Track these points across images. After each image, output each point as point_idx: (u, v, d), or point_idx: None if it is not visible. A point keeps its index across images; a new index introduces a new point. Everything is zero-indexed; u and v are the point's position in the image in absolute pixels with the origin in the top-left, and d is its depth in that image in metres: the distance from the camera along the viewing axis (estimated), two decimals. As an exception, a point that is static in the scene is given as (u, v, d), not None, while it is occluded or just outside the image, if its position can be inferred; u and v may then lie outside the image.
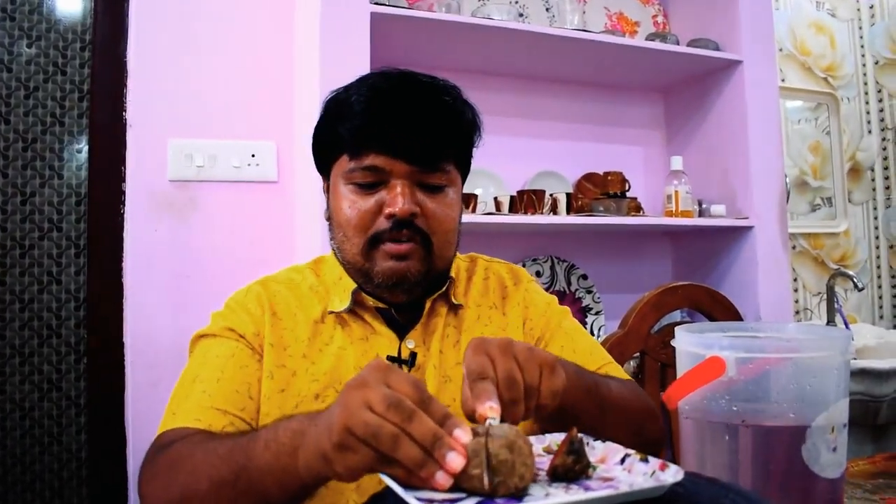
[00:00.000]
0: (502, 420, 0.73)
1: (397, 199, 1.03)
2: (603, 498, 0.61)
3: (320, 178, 1.21)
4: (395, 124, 1.03)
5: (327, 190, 1.16)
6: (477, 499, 0.63)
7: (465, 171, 1.18)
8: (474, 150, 1.18)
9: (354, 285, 1.11)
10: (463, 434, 0.66)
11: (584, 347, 1.21)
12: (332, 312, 1.12)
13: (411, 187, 1.05)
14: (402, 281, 1.07)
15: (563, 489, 0.66)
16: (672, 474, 0.65)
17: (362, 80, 1.11)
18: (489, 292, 1.24)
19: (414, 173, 1.05)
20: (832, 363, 0.78)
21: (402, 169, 1.04)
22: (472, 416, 0.75)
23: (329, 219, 1.15)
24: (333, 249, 1.16)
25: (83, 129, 2.11)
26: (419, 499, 0.61)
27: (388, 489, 0.66)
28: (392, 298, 1.11)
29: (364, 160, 1.05)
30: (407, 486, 0.64)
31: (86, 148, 2.10)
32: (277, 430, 0.76)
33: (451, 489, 0.64)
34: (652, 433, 1.10)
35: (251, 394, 1.04)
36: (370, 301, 1.12)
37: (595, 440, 0.76)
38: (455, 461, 0.64)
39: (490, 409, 0.73)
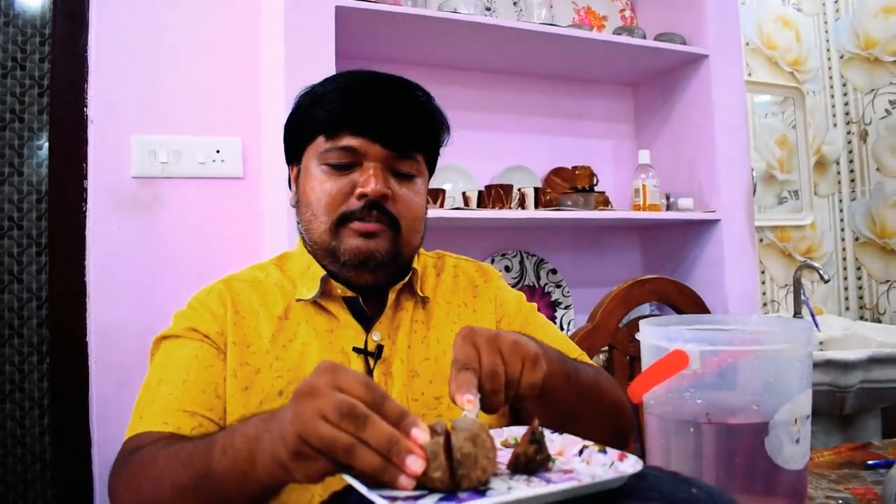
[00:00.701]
0: (483, 408, 0.78)
1: (370, 180, 1.06)
2: (564, 490, 0.61)
3: (286, 169, 1.23)
4: (373, 107, 1.08)
5: (296, 178, 1.18)
6: (440, 494, 0.63)
7: (431, 168, 1.22)
8: (441, 150, 1.22)
9: (323, 272, 1.12)
10: (420, 433, 0.65)
11: (558, 341, 1.23)
12: (299, 300, 1.13)
13: (384, 171, 1.09)
14: (368, 259, 1.08)
15: (525, 482, 0.66)
16: (631, 464, 0.66)
17: (337, 74, 1.15)
18: (459, 290, 1.25)
19: (387, 158, 1.09)
20: (795, 355, 0.78)
21: (377, 152, 1.08)
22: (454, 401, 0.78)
23: (296, 205, 1.17)
24: (301, 234, 1.17)
25: (43, 126, 2.07)
26: (383, 496, 0.60)
27: (348, 487, 0.66)
28: (358, 280, 1.12)
29: (340, 140, 1.08)
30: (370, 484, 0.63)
31: (46, 144, 2.07)
32: (234, 436, 0.76)
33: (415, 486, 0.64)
34: (626, 421, 1.14)
35: (218, 393, 1.04)
36: (338, 289, 1.13)
37: (553, 433, 0.77)
38: (414, 464, 0.63)
39: (467, 402, 0.75)
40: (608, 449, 0.69)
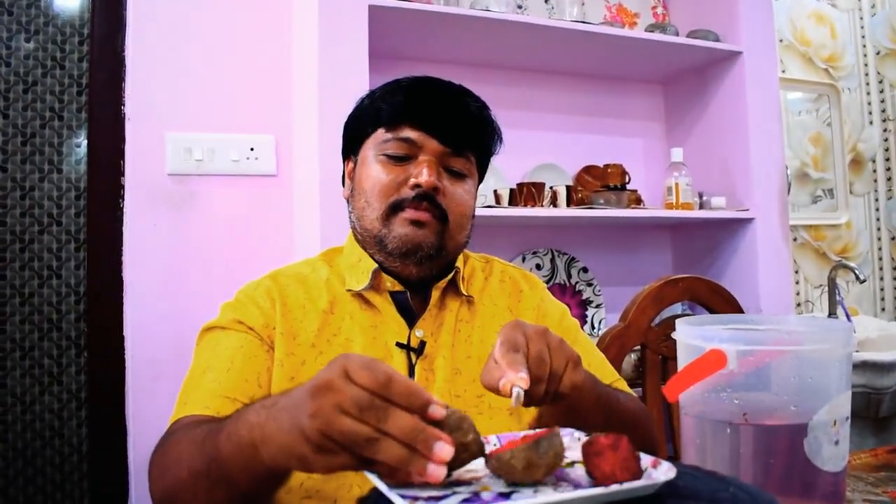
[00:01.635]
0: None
1: (423, 170, 1.10)
2: (591, 496, 0.60)
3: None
4: (434, 104, 1.13)
5: (352, 171, 1.22)
6: (464, 495, 0.62)
7: (482, 171, 1.26)
8: (491, 159, 1.27)
9: (374, 265, 1.15)
10: (437, 409, 0.65)
11: (597, 363, 1.25)
12: (349, 291, 1.16)
13: (438, 166, 1.13)
14: (415, 248, 1.11)
15: (552, 487, 0.65)
16: (664, 472, 0.65)
17: (399, 78, 1.20)
18: (505, 294, 1.27)
19: (442, 154, 1.13)
20: (833, 356, 0.77)
21: (433, 146, 1.12)
22: (493, 388, 0.78)
23: (348, 198, 1.22)
24: (352, 224, 1.20)
25: (82, 124, 2.10)
26: (404, 496, 0.60)
27: (374, 491, 0.65)
28: (403, 270, 1.14)
29: (400, 132, 1.12)
30: (392, 484, 0.63)
31: (84, 142, 2.10)
32: (238, 422, 0.75)
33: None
34: (651, 449, 1.12)
35: (261, 383, 1.06)
36: (387, 283, 1.16)
37: (586, 435, 0.76)
38: (444, 450, 0.62)
39: (520, 379, 0.76)
40: (641, 455, 0.68)
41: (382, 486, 0.62)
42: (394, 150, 1.13)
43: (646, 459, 0.68)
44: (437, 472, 0.62)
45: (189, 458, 0.82)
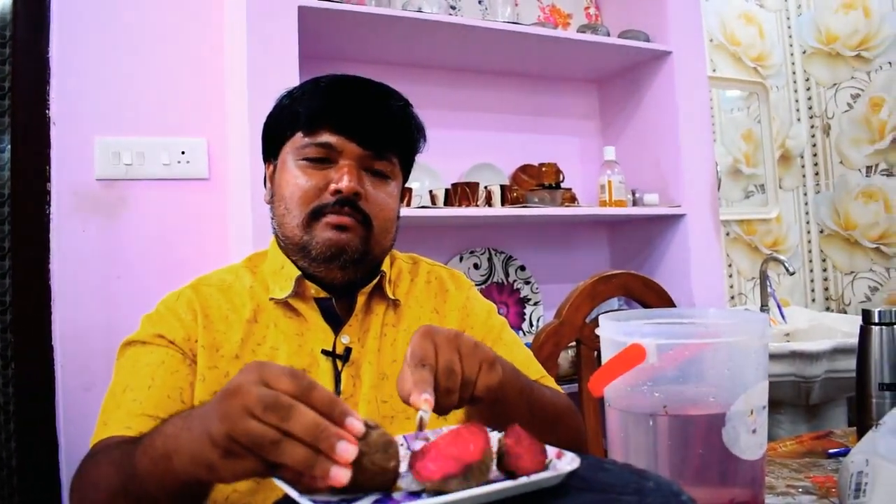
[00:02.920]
0: (435, 408, 0.76)
1: (344, 177, 1.08)
2: (499, 490, 0.60)
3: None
4: (353, 107, 1.10)
5: (271, 175, 1.19)
6: (375, 497, 0.62)
7: (406, 173, 1.24)
8: (416, 156, 1.24)
9: (297, 272, 1.13)
10: (355, 422, 0.63)
11: (522, 360, 1.23)
12: (272, 299, 1.13)
13: (359, 170, 1.10)
14: (339, 253, 1.09)
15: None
16: (568, 462, 0.66)
17: (319, 76, 1.16)
18: (431, 295, 1.26)
19: (363, 157, 1.11)
20: (750, 347, 0.79)
21: (353, 150, 1.09)
22: (407, 400, 0.76)
23: (270, 201, 1.18)
24: (274, 230, 1.18)
25: (5, 128, 2.04)
26: (314, 500, 0.59)
27: (285, 497, 0.64)
28: (328, 275, 1.12)
29: (318, 136, 1.10)
30: (301, 489, 0.61)
31: (8, 147, 2.03)
32: (154, 436, 0.74)
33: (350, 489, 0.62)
34: (576, 442, 1.13)
35: (183, 398, 1.03)
36: (311, 290, 1.14)
37: (492, 431, 0.76)
38: (346, 451, 0.61)
39: (424, 402, 0.74)
40: (547, 447, 0.69)
41: (292, 492, 0.61)
42: (313, 155, 1.10)
43: (550, 451, 0.69)
44: (340, 475, 0.60)
45: (107, 479, 0.80)
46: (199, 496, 0.76)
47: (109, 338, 1.95)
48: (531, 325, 2.61)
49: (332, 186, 1.08)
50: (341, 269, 1.11)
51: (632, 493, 0.58)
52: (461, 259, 2.54)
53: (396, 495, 0.63)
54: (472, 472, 0.61)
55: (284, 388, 0.63)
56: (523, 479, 0.61)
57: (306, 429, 0.61)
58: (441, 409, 0.80)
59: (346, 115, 1.09)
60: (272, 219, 1.17)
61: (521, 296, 2.63)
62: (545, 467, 0.65)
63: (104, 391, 1.05)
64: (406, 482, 0.66)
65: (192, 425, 0.68)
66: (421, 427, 0.73)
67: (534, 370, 1.24)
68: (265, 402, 0.61)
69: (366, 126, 1.10)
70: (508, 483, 0.61)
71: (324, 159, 1.10)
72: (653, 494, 0.58)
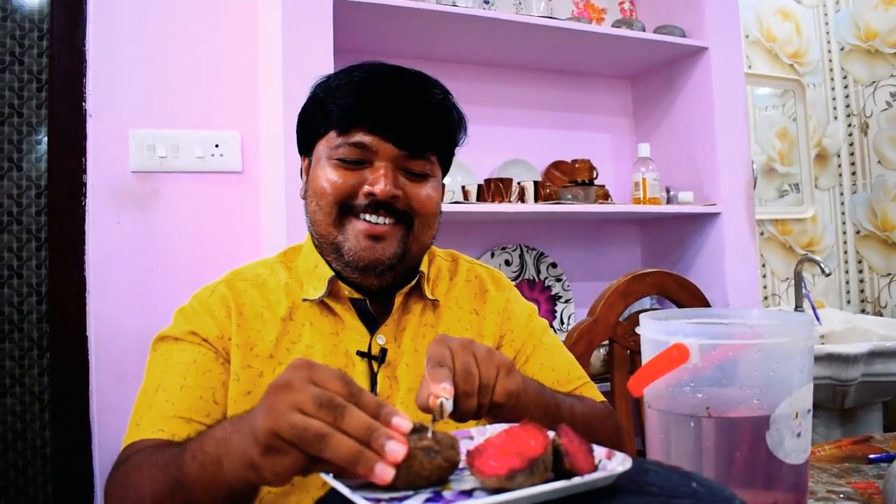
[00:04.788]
0: (454, 413, 0.74)
1: (380, 179, 1.04)
2: (551, 490, 0.59)
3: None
4: (388, 105, 1.05)
5: (307, 169, 1.15)
6: (426, 495, 0.61)
7: (445, 168, 1.19)
8: (456, 150, 1.19)
9: (331, 273, 1.10)
10: (402, 421, 0.64)
11: (563, 365, 1.21)
12: (306, 300, 1.10)
13: (395, 171, 1.06)
14: (374, 264, 1.06)
15: None
16: (619, 462, 0.65)
17: (354, 66, 1.11)
18: (471, 296, 1.22)
19: (399, 158, 1.06)
20: (795, 348, 0.77)
21: (389, 151, 1.05)
22: (424, 407, 0.74)
23: (304, 196, 1.14)
24: (308, 227, 1.15)
25: (42, 120, 2.07)
26: (367, 498, 0.58)
27: (332, 491, 0.64)
28: (363, 282, 1.10)
29: (352, 136, 1.05)
30: (352, 484, 0.61)
31: (45, 139, 2.06)
32: (203, 440, 0.74)
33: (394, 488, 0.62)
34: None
35: (216, 398, 1.02)
36: (345, 291, 1.11)
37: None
38: (396, 450, 0.61)
39: (443, 390, 0.72)
40: (595, 447, 0.68)
41: (343, 488, 0.60)
42: (347, 156, 1.06)
43: (600, 451, 0.68)
44: (386, 472, 0.60)
45: (151, 482, 0.79)
46: (245, 501, 0.76)
47: (143, 329, 1.97)
48: (562, 322, 2.59)
49: (366, 188, 1.04)
50: (377, 276, 1.08)
51: (683, 497, 0.57)
52: (492, 255, 2.53)
53: (447, 494, 0.62)
54: (536, 466, 0.60)
55: (335, 390, 0.63)
56: (578, 479, 0.60)
57: (358, 427, 0.61)
58: (460, 415, 0.79)
59: (381, 115, 1.04)
60: (306, 215, 1.14)
61: (553, 293, 2.61)
62: (595, 467, 0.64)
63: (137, 382, 1.05)
64: (455, 481, 0.66)
65: (242, 427, 0.68)
66: (441, 415, 0.72)
67: (575, 376, 1.21)
68: (321, 401, 0.62)
69: (402, 126, 1.05)
70: (564, 483, 0.60)
71: (359, 160, 1.06)
72: (705, 499, 0.57)
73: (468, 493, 0.62)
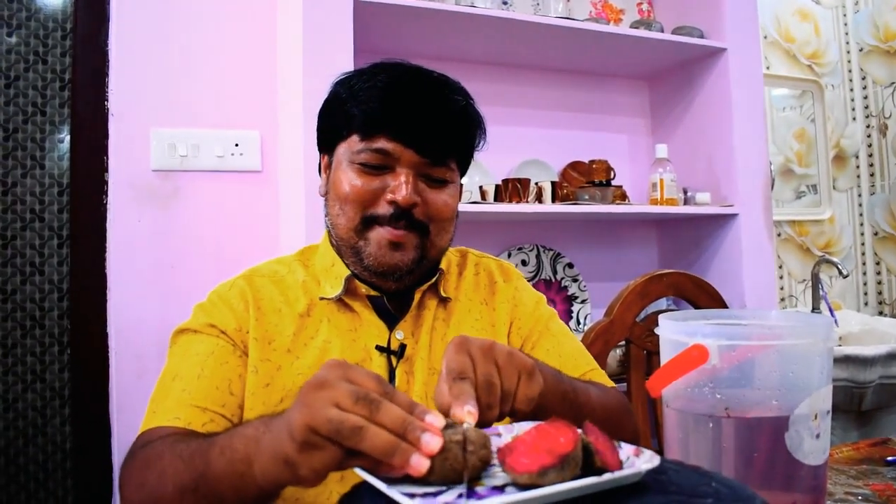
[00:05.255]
0: (476, 423, 0.73)
1: (401, 186, 1.04)
2: (580, 486, 0.60)
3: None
4: (411, 113, 1.05)
5: (327, 166, 1.16)
6: (459, 490, 0.62)
7: (464, 170, 1.20)
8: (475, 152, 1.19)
9: (347, 272, 1.11)
10: (435, 419, 0.65)
11: (570, 352, 1.22)
12: (322, 299, 1.12)
13: (416, 178, 1.07)
14: (393, 270, 1.07)
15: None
16: (647, 459, 0.65)
17: (377, 67, 1.11)
18: (480, 287, 1.24)
19: (420, 164, 1.07)
20: (815, 350, 0.78)
21: (411, 158, 1.06)
22: (446, 413, 0.74)
23: (325, 195, 1.15)
24: (327, 226, 1.16)
25: (65, 119, 2.09)
26: (403, 492, 0.59)
27: (362, 486, 0.65)
28: (382, 285, 1.12)
29: (375, 142, 1.05)
30: (385, 479, 0.62)
31: (68, 138, 2.08)
32: (233, 437, 0.75)
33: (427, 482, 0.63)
34: (626, 439, 1.09)
35: (232, 390, 1.03)
36: (362, 289, 1.12)
37: None
38: (432, 442, 0.62)
39: (468, 414, 0.71)
40: (623, 444, 0.69)
41: (379, 483, 0.61)
42: (369, 161, 1.06)
43: (627, 449, 0.68)
44: (421, 463, 0.62)
45: (174, 472, 0.80)
46: (270, 500, 0.76)
47: (162, 326, 1.98)
48: (578, 322, 2.59)
49: (389, 196, 1.05)
50: (396, 281, 1.10)
51: (704, 496, 0.58)
52: (509, 255, 2.53)
53: (480, 489, 0.63)
54: (568, 462, 0.61)
55: (370, 387, 0.65)
56: (609, 476, 0.61)
57: (394, 420, 0.63)
58: (481, 425, 0.77)
59: (404, 123, 1.05)
60: (326, 215, 1.15)
61: (569, 293, 2.62)
62: (622, 464, 0.65)
63: (156, 379, 1.06)
64: (487, 477, 0.66)
65: (273, 426, 0.69)
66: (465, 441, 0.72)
67: (583, 363, 1.21)
68: (357, 395, 0.63)
69: (424, 134, 1.05)
70: (595, 479, 0.60)
71: (380, 166, 1.06)
72: (726, 499, 0.57)
73: (500, 489, 0.63)
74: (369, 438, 0.62)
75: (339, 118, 1.11)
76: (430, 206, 1.08)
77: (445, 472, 0.63)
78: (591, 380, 1.17)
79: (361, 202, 1.07)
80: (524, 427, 0.77)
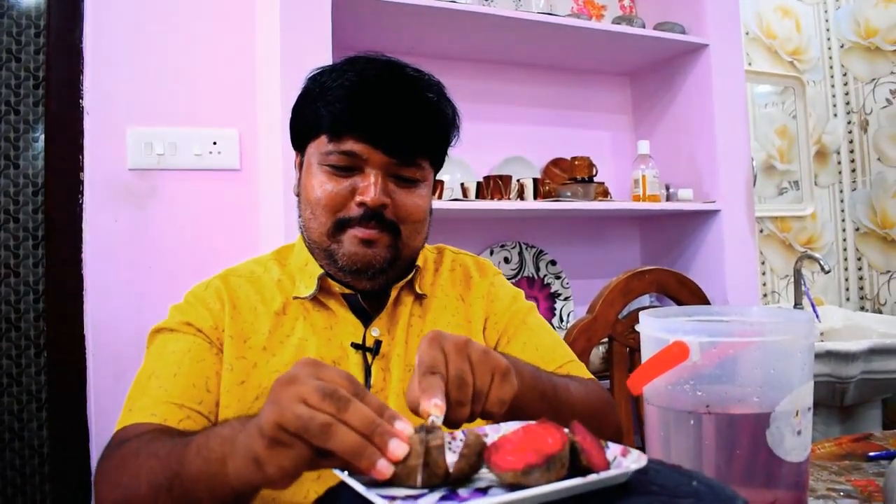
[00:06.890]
0: (445, 420, 0.72)
1: (370, 188, 1.04)
2: (568, 487, 0.59)
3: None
4: (379, 113, 1.04)
5: (300, 165, 1.15)
6: (440, 493, 0.61)
7: (438, 167, 1.19)
8: (450, 148, 1.18)
9: (321, 271, 1.11)
10: (404, 425, 0.64)
11: (547, 344, 1.21)
12: (297, 298, 1.12)
13: (385, 178, 1.06)
14: (366, 267, 1.07)
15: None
16: (634, 460, 0.64)
17: (349, 63, 1.09)
18: (456, 283, 1.24)
19: (390, 165, 1.06)
20: (796, 346, 0.77)
21: (379, 159, 1.05)
22: (416, 410, 0.73)
23: (298, 194, 1.15)
24: (301, 228, 1.15)
25: (39, 118, 2.06)
26: (382, 496, 0.58)
27: (342, 485, 0.64)
28: (356, 284, 1.11)
29: (343, 144, 1.05)
30: (364, 481, 0.61)
31: (42, 137, 2.05)
32: (209, 437, 0.74)
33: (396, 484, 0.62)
34: (608, 433, 1.06)
35: (209, 387, 1.03)
36: (336, 287, 1.12)
37: None
38: (398, 448, 0.62)
39: (435, 407, 0.70)
40: (610, 444, 0.68)
41: (357, 485, 0.61)
42: (337, 162, 1.06)
43: (615, 448, 0.67)
44: (386, 468, 0.61)
45: (149, 472, 0.79)
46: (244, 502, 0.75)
47: (140, 327, 1.93)
48: (561, 320, 2.59)
49: (358, 198, 1.05)
50: (370, 279, 1.10)
51: (686, 497, 0.57)
52: (491, 253, 2.52)
53: (462, 491, 0.62)
54: (553, 463, 0.60)
55: (342, 386, 0.64)
56: (595, 476, 0.60)
57: (362, 421, 0.62)
58: (451, 423, 0.75)
59: (370, 124, 1.04)
60: (299, 216, 1.15)
61: (552, 291, 2.61)
62: (609, 464, 0.64)
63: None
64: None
65: (248, 425, 0.68)
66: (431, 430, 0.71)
67: (560, 355, 1.20)
68: (324, 391, 0.62)
69: (392, 134, 1.04)
70: (581, 479, 0.59)
71: (349, 167, 1.06)
72: (707, 499, 0.56)
73: (483, 491, 0.62)
74: (337, 437, 0.61)
75: (309, 117, 1.10)
76: (400, 208, 1.08)
77: (428, 477, 0.62)
78: (569, 372, 1.17)
79: (332, 207, 1.07)
80: (512, 427, 0.75)
